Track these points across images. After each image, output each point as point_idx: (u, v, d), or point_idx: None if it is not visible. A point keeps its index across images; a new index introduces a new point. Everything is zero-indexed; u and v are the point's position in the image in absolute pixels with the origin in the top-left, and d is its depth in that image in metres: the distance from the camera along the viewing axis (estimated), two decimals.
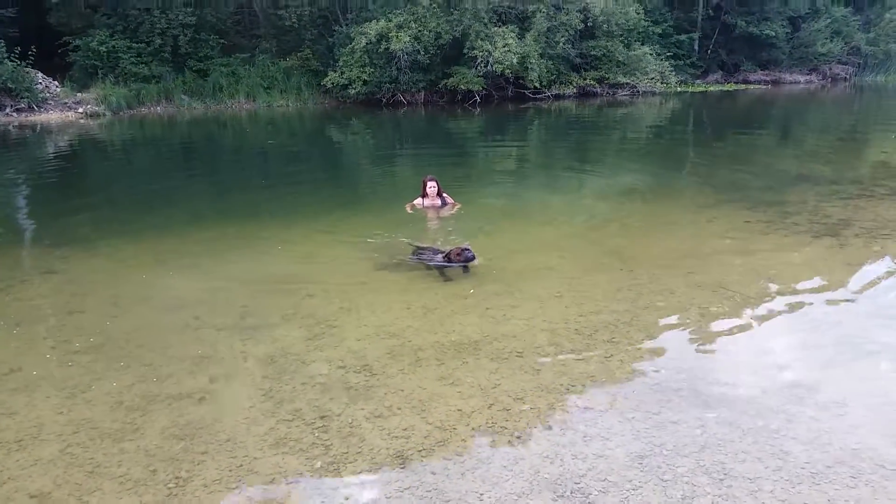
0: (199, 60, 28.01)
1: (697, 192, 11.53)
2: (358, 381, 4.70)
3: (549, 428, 4.09)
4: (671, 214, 9.70)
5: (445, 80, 27.96)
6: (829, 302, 6.03)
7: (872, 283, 6.49)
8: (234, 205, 11.04)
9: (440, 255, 7.21)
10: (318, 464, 3.80)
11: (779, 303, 5.96)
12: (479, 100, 28.11)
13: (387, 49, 26.00)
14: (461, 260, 6.98)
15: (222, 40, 28.57)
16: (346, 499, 3.49)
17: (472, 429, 4.08)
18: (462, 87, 27.66)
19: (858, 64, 40.66)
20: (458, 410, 4.28)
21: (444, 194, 9.78)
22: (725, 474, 3.60)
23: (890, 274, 6.73)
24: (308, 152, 18.40)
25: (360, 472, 3.70)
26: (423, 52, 26.49)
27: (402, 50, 25.85)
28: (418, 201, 9.73)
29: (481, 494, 3.47)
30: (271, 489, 3.61)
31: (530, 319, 5.70)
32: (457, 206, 9.75)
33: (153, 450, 4.01)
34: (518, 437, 3.99)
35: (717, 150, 17.06)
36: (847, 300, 6.07)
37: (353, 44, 26.53)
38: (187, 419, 4.31)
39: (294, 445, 3.99)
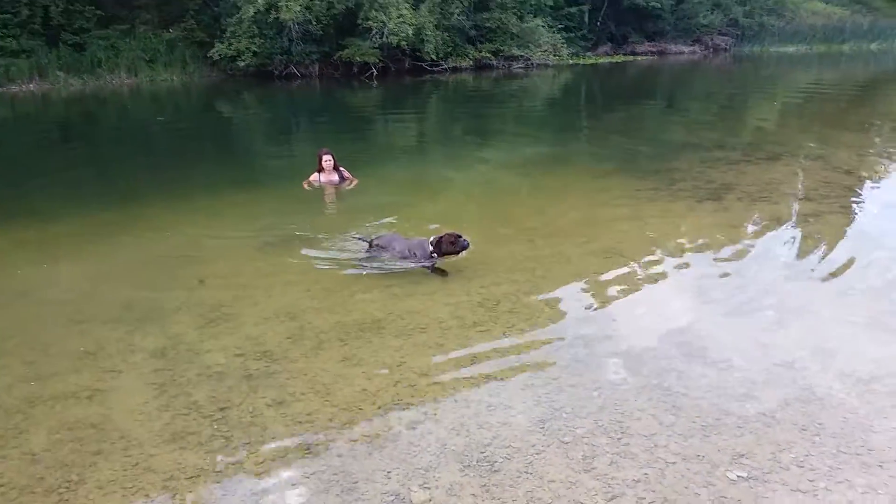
0: (74, 33, 25.98)
1: (590, 162, 11.90)
2: (258, 368, 4.56)
3: (455, 401, 4.12)
4: (566, 184, 9.96)
5: (340, 52, 27.38)
6: (715, 263, 6.37)
7: (754, 244, 6.90)
8: (118, 188, 10.36)
9: (419, 248, 6.22)
10: (220, 457, 3.66)
11: (669, 266, 6.24)
12: (375, 72, 27.72)
13: (277, 19, 25.07)
14: (455, 250, 6.07)
15: (99, 11, 26.56)
16: (251, 490, 3.39)
17: (379, 407, 4.05)
18: (358, 59, 27.18)
19: (737, 35, 42.90)
20: (364, 391, 4.24)
21: (341, 168, 9.55)
22: (623, 433, 3.76)
23: (769, 234, 7.18)
24: (197, 129, 17.55)
25: (263, 462, 3.59)
26: (315, 23, 25.74)
27: (293, 20, 25.00)
28: (314, 177, 9.46)
29: (389, 472, 3.46)
30: (171, 486, 3.45)
31: (433, 294, 5.71)
32: (354, 182, 9.55)
33: (39, 454, 3.74)
34: (424, 413, 4.00)
35: (608, 121, 17.62)
36: (731, 260, 6.43)
37: (241, 13, 25.42)
38: (75, 419, 4.05)
39: (192, 439, 3.83)
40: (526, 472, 3.44)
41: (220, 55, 26.36)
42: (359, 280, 6.06)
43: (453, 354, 4.67)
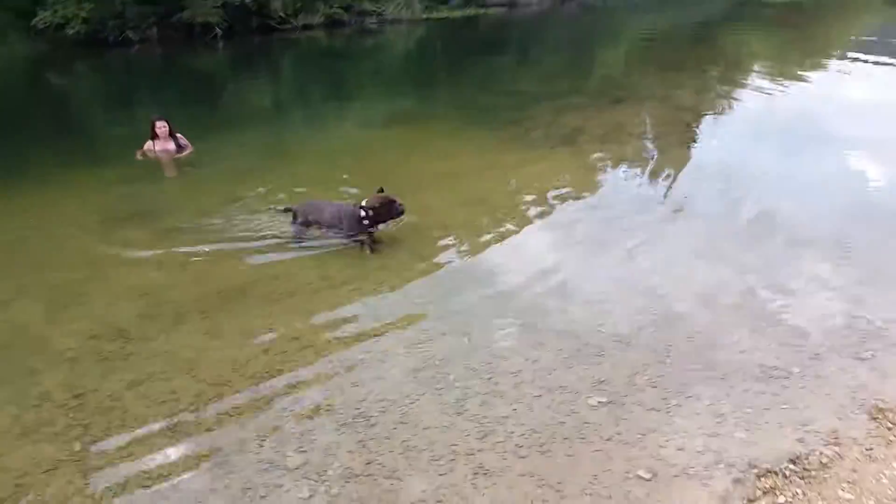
0: None
1: (450, 116, 11.95)
2: (113, 349, 4.27)
3: (329, 362, 4.07)
4: (427, 139, 9.96)
5: (179, 14, 25.57)
6: (573, 204, 6.64)
7: (605, 184, 7.27)
8: None
9: (350, 216, 5.64)
10: (77, 446, 3.42)
11: (530, 210, 6.44)
12: (220, 33, 26.18)
13: None
14: (392, 215, 5.61)
15: None
16: (115, 477, 3.19)
17: (248, 378, 3.92)
18: (199, 20, 25.50)
19: None
20: (231, 361, 4.09)
21: (178, 135, 8.89)
22: (492, 372, 3.88)
23: (619, 173, 7.58)
24: (28, 106, 15.88)
25: (127, 447, 3.39)
26: None
27: None
28: (149, 145, 8.77)
29: (262, 441, 3.37)
30: (26, 482, 3.19)
31: (298, 257, 5.57)
32: (190, 149, 8.92)
33: None
34: (296, 377, 3.92)
35: (465, 75, 17.75)
36: (586, 200, 6.74)
37: None
38: None
39: (46, 431, 3.55)
40: (401, 423, 3.47)
41: (45, 24, 23.80)
42: (216, 249, 5.78)
43: (323, 316, 4.61)
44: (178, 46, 25.21)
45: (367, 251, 5.59)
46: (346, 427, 3.45)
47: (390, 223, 5.81)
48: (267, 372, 3.97)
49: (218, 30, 26.02)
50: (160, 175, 8.39)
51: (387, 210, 5.58)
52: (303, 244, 5.78)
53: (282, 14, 27.21)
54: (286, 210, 6.29)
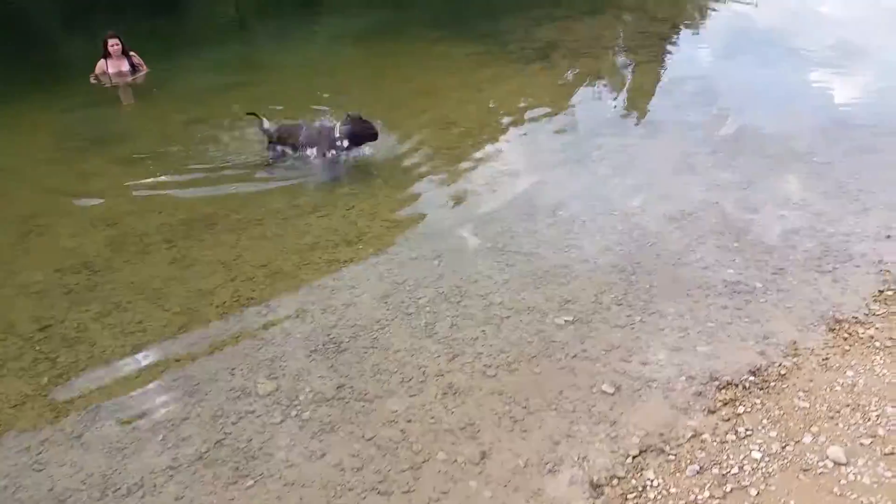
0: None
1: (422, 29, 11.54)
2: (78, 281, 4.22)
3: (297, 289, 4.07)
4: (401, 54, 9.67)
5: None
6: (548, 122, 6.56)
7: (581, 99, 7.16)
8: None
9: (326, 136, 5.55)
10: (45, 379, 3.42)
11: (504, 130, 6.36)
12: None
13: None
14: (369, 134, 5.52)
15: None
16: (84, 408, 3.21)
17: (216, 307, 3.92)
18: None
19: None
20: (198, 290, 4.07)
21: (132, 53, 8.48)
22: (462, 296, 3.90)
23: (594, 88, 7.45)
24: None
25: (95, 378, 3.40)
26: None
27: None
28: (101, 65, 8.34)
29: (232, 369, 3.40)
30: None
31: (266, 182, 5.48)
32: (144, 70, 8.57)
33: None
34: (267, 305, 3.92)
35: None
36: (561, 117, 6.65)
37: None
38: None
39: (13, 365, 3.54)
40: (371, 347, 3.51)
41: None
42: (182, 177, 5.66)
43: (292, 243, 4.57)
44: None
45: (340, 174, 5.50)
46: (316, 353, 3.48)
47: (364, 147, 5.69)
48: (235, 301, 3.96)
49: None
50: (118, 99, 8.11)
51: (361, 133, 5.51)
52: (273, 174, 5.65)
53: None
54: (253, 115, 6.06)
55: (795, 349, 3.34)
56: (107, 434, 3.04)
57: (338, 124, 5.56)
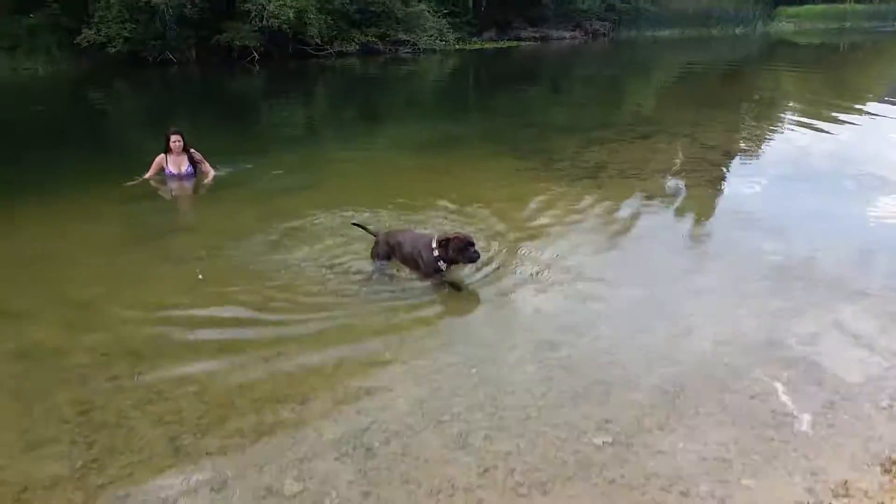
0: None
1: (476, 143, 12.04)
2: (123, 369, 4.31)
3: (335, 390, 4.07)
4: (453, 166, 10.00)
5: (218, 36, 26.27)
6: (592, 238, 6.60)
7: (626, 219, 7.21)
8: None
9: (425, 249, 5.33)
10: (79, 463, 3.44)
11: (547, 244, 6.37)
12: (257, 57, 26.80)
13: (148, 3, 23.72)
14: (463, 259, 5.22)
15: None
16: (114, 495, 3.20)
17: (252, 401, 3.93)
18: (237, 43, 26.18)
19: (615, 20, 44.52)
20: (238, 385, 4.10)
21: (193, 151, 8.68)
22: (497, 407, 3.83)
23: (640, 210, 7.51)
24: (61, 120, 16.36)
25: (127, 465, 3.40)
26: (190, 6, 24.56)
27: (166, 4, 23.74)
28: (160, 160, 8.59)
29: (262, 467, 3.37)
30: (25, 498, 3.21)
31: (310, 284, 5.61)
32: (211, 173, 8.76)
33: None
34: (301, 403, 3.92)
35: (494, 105, 17.88)
36: (607, 236, 6.68)
37: None
38: None
39: (51, 447, 3.58)
40: (402, 455, 3.44)
41: (88, 42, 24.60)
42: (241, 265, 5.85)
43: (331, 339, 4.62)
44: (215, 68, 25.88)
45: (438, 288, 5.39)
46: (346, 457, 3.43)
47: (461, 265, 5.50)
48: (272, 396, 3.98)
49: (255, 53, 26.66)
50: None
51: (459, 251, 5.19)
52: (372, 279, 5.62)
53: (317, 41, 27.79)
54: (362, 228, 6.05)
55: (846, 489, 3.15)
56: None
57: (438, 237, 5.34)
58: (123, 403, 3.93)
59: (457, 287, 5.39)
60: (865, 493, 3.13)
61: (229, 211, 7.75)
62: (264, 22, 25.42)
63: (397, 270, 5.72)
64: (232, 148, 10.27)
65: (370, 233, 5.96)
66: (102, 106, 18.94)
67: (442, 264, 5.31)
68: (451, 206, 7.53)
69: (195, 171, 8.78)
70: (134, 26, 24.55)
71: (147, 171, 8.70)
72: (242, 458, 3.44)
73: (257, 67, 26.10)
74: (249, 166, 9.61)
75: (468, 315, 5.03)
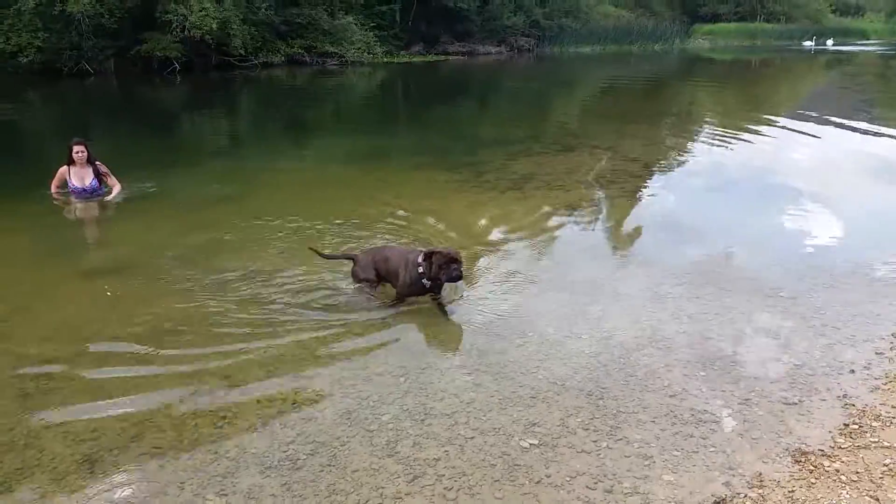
0: None
1: (405, 156, 12.08)
2: (37, 385, 4.09)
3: (259, 402, 3.97)
4: (383, 178, 10.00)
5: (138, 47, 25.48)
6: (519, 248, 6.69)
7: (551, 228, 7.37)
8: None
9: (412, 265, 5.07)
10: None
11: (474, 252, 6.44)
12: (178, 68, 26.12)
13: (63, 11, 22.79)
14: (444, 278, 4.94)
15: None
16: None
17: (173, 418, 3.79)
18: (158, 53, 25.46)
19: (538, 36, 45.64)
20: (159, 401, 3.95)
21: (98, 163, 8.23)
22: (426, 414, 3.83)
23: (564, 218, 7.69)
24: None
25: (38, 487, 3.22)
26: (107, 16, 23.73)
27: (82, 13, 22.86)
28: (62, 172, 8.12)
29: (182, 483, 3.25)
30: None
31: (237, 292, 5.47)
32: (117, 187, 8.30)
33: None
34: (223, 418, 3.80)
35: (423, 118, 18.00)
36: (530, 243, 6.80)
37: (20, 4, 22.80)
38: None
39: None
40: (329, 466, 3.39)
41: None
42: (148, 285, 5.65)
43: (259, 356, 4.50)
44: (135, 79, 25.06)
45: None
46: (270, 470, 3.35)
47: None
48: (192, 412, 3.85)
49: (176, 64, 25.97)
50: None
51: (441, 267, 4.93)
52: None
53: (241, 51, 27.34)
54: (342, 257, 5.80)
55: (761, 481, 3.28)
56: None
57: (424, 251, 5.08)
58: (33, 423, 3.72)
59: (443, 310, 5.18)
60: (778, 483, 3.27)
61: (148, 224, 7.49)
62: (186, 32, 24.83)
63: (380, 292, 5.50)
64: (152, 161, 9.97)
65: (344, 258, 5.71)
66: (9, 117, 18.00)
67: (426, 282, 5.07)
68: (381, 218, 7.53)
69: (100, 184, 8.30)
70: (47, 35, 23.53)
71: (50, 183, 8.26)
72: (163, 474, 3.31)
73: (179, 79, 25.43)
74: (170, 179, 9.35)
75: (397, 325, 5.00)
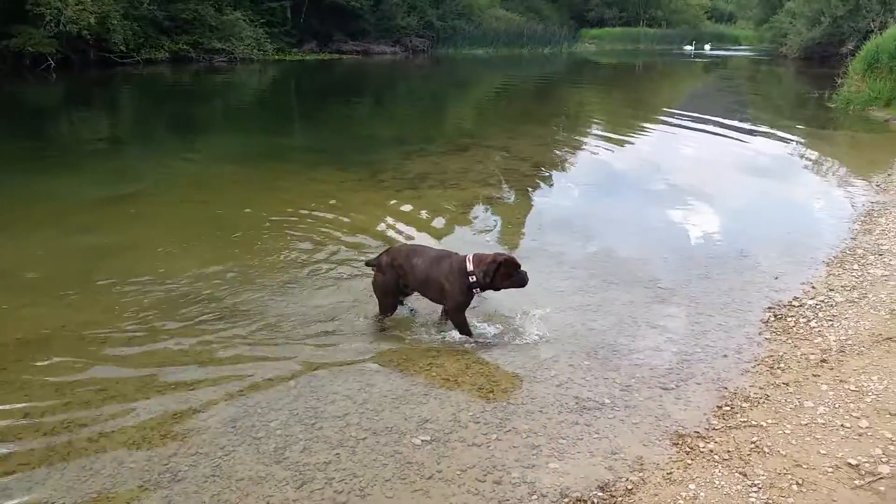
0: None
1: (300, 155, 11.84)
2: None
3: (136, 413, 3.78)
4: (276, 177, 9.78)
5: (6, 42, 23.64)
6: (423, 239, 6.75)
7: (444, 226, 7.44)
8: None
9: (458, 272, 4.50)
10: None
11: (370, 253, 6.40)
12: (53, 64, 24.44)
13: None
14: (511, 285, 4.55)
15: None
16: None
17: (43, 434, 3.55)
18: (29, 49, 23.72)
19: (432, 37, 45.93)
20: (23, 413, 3.67)
21: None
22: (317, 418, 3.77)
23: (459, 217, 7.78)
24: None
25: None
26: None
27: None
28: None
29: (54, 501, 3.04)
30: None
31: (110, 297, 5.19)
32: None
33: None
34: (99, 432, 3.59)
35: (318, 117, 17.70)
36: (424, 240, 6.82)
37: None
38: None
39: None
40: (212, 476, 3.27)
41: None
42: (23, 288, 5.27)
43: (138, 363, 4.29)
44: (4, 76, 23.24)
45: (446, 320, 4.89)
46: (150, 483, 3.19)
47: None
48: (65, 427, 3.62)
49: (51, 61, 24.33)
50: None
51: (507, 277, 4.53)
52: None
53: (123, 48, 25.95)
54: (367, 264, 4.99)
55: (641, 464, 3.44)
56: None
57: (486, 261, 4.52)
58: None
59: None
60: (657, 465, 3.44)
61: (23, 231, 6.96)
62: (61, 27, 23.26)
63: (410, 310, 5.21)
64: (24, 162, 9.23)
65: (373, 265, 4.91)
66: None
67: (476, 290, 4.58)
68: (276, 218, 7.37)
69: None
70: None
71: None
72: (33, 493, 3.08)
73: (54, 76, 23.81)
74: (48, 182, 8.73)
75: (285, 329, 4.88)
